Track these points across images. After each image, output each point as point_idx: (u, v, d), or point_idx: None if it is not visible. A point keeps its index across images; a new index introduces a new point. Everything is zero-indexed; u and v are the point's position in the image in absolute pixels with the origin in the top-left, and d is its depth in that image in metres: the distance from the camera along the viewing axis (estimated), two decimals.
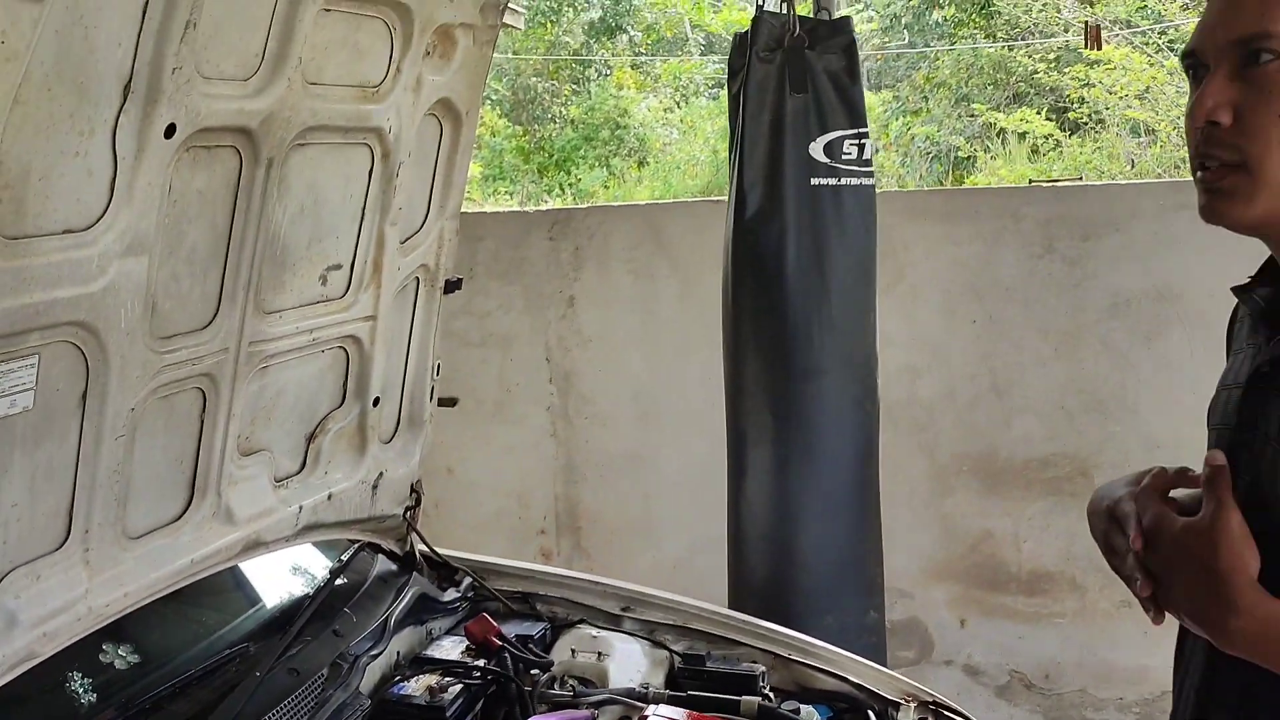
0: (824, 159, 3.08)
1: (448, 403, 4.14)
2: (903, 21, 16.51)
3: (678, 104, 19.01)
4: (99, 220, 1.63)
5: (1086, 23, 6.50)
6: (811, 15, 3.24)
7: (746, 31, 3.16)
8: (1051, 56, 8.09)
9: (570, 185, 17.53)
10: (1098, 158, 7.39)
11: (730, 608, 3.38)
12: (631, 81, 19.82)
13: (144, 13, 1.58)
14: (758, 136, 3.08)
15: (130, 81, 1.60)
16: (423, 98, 2.29)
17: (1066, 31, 7.86)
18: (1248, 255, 3.15)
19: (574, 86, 19.93)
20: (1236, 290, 1.50)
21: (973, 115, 11.56)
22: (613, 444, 4.28)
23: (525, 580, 2.77)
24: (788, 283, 3.07)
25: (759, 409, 3.18)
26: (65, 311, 1.62)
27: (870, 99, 16.69)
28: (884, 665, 2.61)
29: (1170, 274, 3.48)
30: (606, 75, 20.04)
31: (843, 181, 3.10)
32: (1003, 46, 12.30)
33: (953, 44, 12.56)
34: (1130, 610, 3.81)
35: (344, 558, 2.60)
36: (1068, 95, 7.80)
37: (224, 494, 2.14)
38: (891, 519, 3.62)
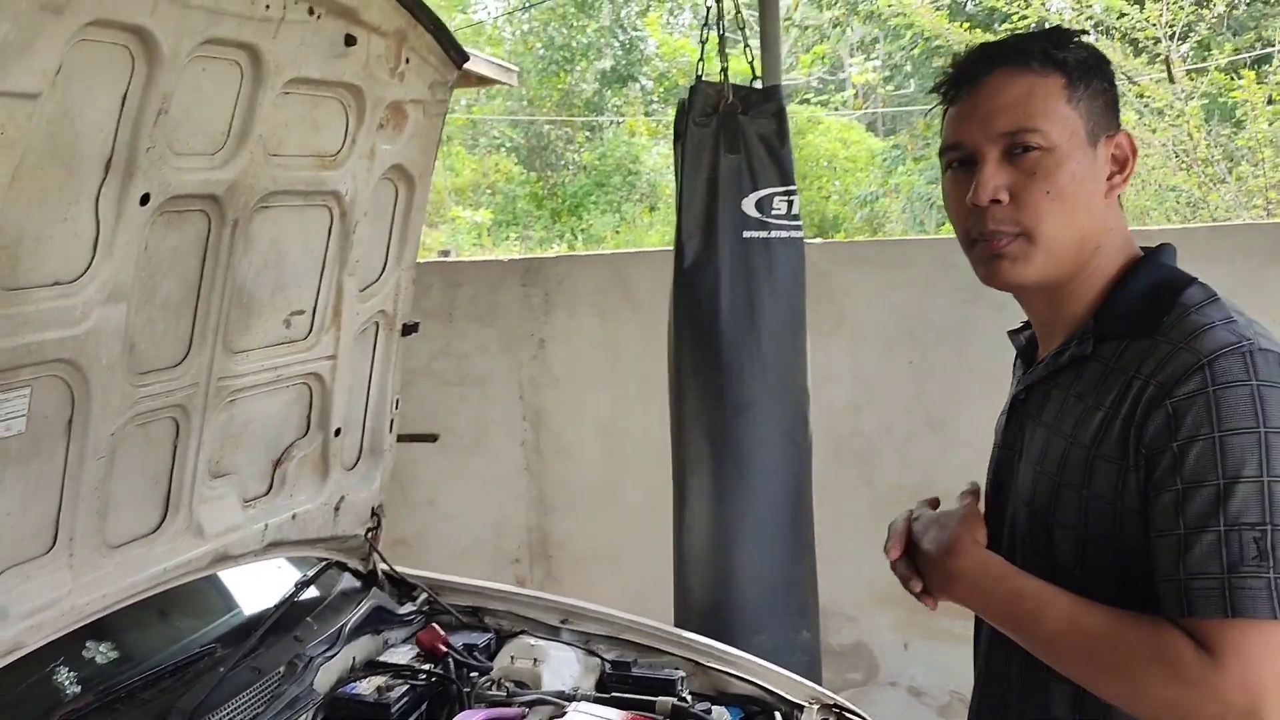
0: (755, 214, 3.38)
1: (429, 438, 4.47)
2: (903, 70, 16.91)
3: None
4: (83, 274, 1.93)
5: None
6: (747, 84, 3.55)
7: (686, 99, 3.48)
8: None
9: (582, 230, 17.87)
10: None
11: (675, 625, 3.66)
12: (643, 129, 20.25)
13: (122, 104, 1.89)
14: (695, 193, 3.39)
15: (111, 159, 1.90)
16: (377, 164, 2.59)
17: None
18: None
19: (587, 134, 20.37)
20: (1010, 333, 1.82)
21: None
22: (580, 477, 4.56)
23: (476, 596, 3.04)
24: (721, 325, 3.36)
25: (697, 440, 3.46)
26: (53, 350, 1.92)
27: (876, 145, 17.05)
28: (819, 683, 2.82)
29: None
30: (619, 123, 20.49)
31: (773, 234, 3.39)
32: None
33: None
34: None
35: (310, 574, 2.89)
36: None
37: (195, 511, 2.43)
38: (836, 546, 3.89)
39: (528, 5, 19.39)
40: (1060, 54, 1.53)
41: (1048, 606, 1.44)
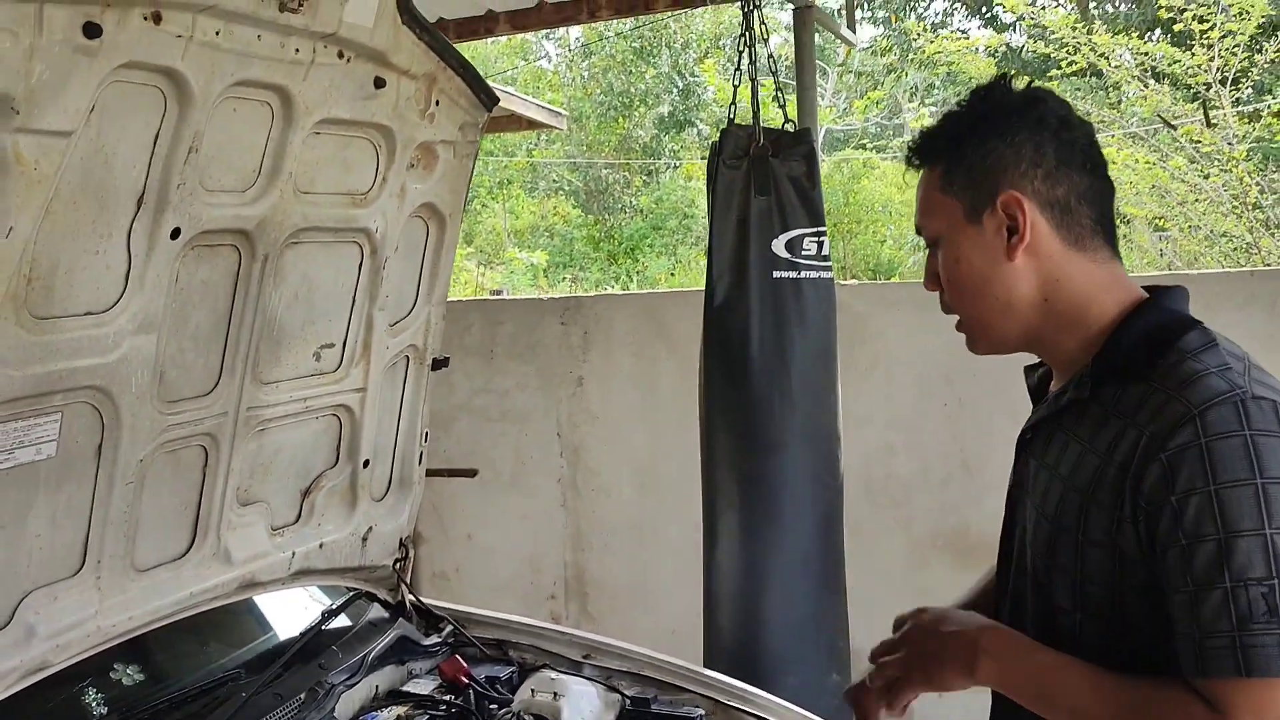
0: (785, 254, 3.40)
1: (468, 473, 4.51)
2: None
3: None
4: (115, 304, 2.00)
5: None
6: (780, 126, 3.59)
7: (718, 141, 3.52)
8: None
9: (638, 272, 17.98)
10: (1131, 255, 7.56)
11: (705, 665, 3.64)
12: (699, 173, 20.36)
13: (154, 142, 1.97)
14: (726, 234, 3.42)
15: (143, 195, 1.97)
16: (407, 203, 2.65)
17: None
18: None
19: (645, 178, 20.55)
20: (1026, 368, 1.81)
21: None
22: (616, 514, 4.58)
23: (501, 629, 3.06)
24: (752, 364, 3.37)
25: (727, 479, 3.46)
26: (85, 377, 1.99)
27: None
28: None
29: None
30: (676, 167, 20.64)
31: (803, 275, 3.41)
32: None
33: None
34: None
35: (338, 604, 2.93)
36: None
37: (223, 537, 2.48)
38: (870, 590, 3.84)
39: (589, 52, 19.70)
40: (943, 138, 1.57)
41: (1070, 679, 1.43)
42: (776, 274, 3.39)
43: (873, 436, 3.81)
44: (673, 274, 17.48)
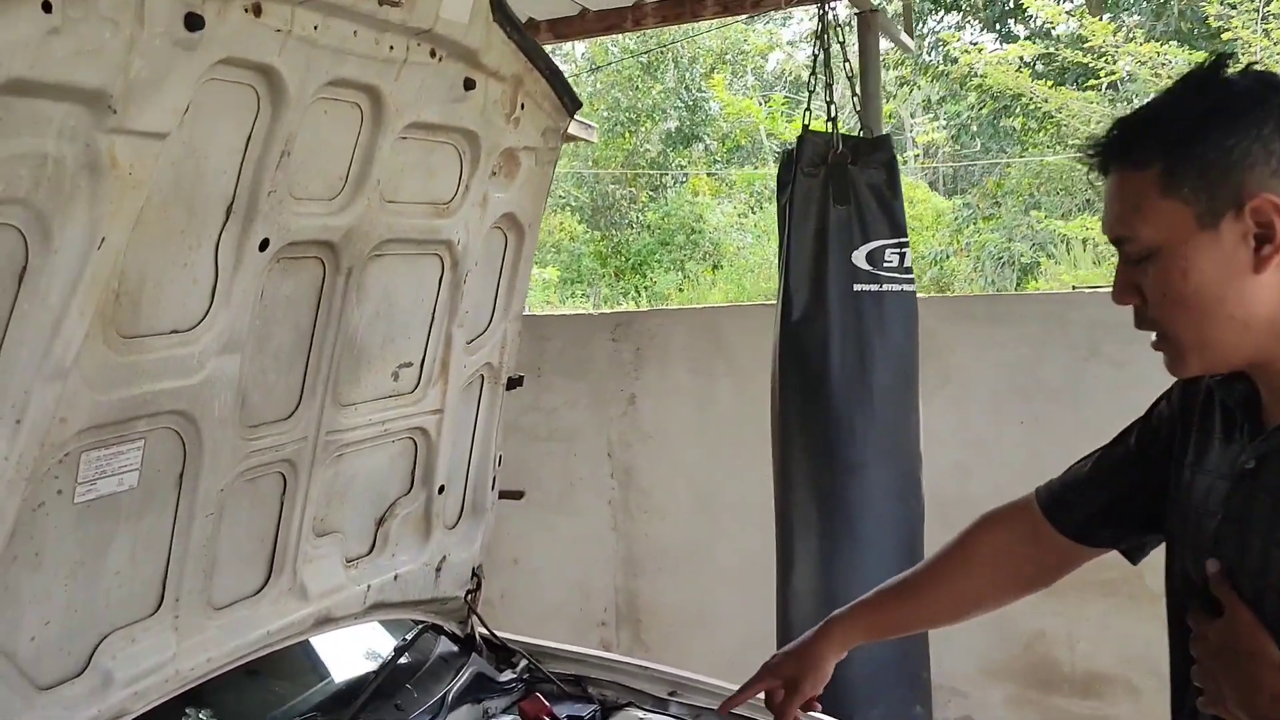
0: (866, 266, 3.25)
1: (514, 495, 4.34)
2: (971, 130, 16.76)
3: (751, 210, 19.41)
4: (200, 322, 1.87)
5: None
6: (856, 133, 3.45)
7: (793, 149, 3.38)
8: None
9: (646, 288, 17.89)
10: None
11: None
12: (707, 188, 20.32)
13: (246, 145, 1.83)
14: (803, 245, 3.27)
15: (233, 203, 1.84)
16: (489, 213, 2.52)
17: None
18: None
19: (651, 193, 20.49)
20: (1216, 381, 1.62)
21: (1043, 223, 11.67)
22: (670, 537, 4.42)
23: (578, 664, 2.90)
24: (831, 381, 3.23)
25: (804, 501, 3.31)
26: (169, 401, 1.85)
27: (942, 204, 16.88)
28: None
29: None
30: (683, 182, 20.59)
31: (884, 288, 3.26)
32: (1066, 157, 12.46)
33: (1022, 152, 12.74)
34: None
35: (408, 638, 2.77)
36: None
37: (299, 571, 2.33)
38: None
39: (595, 67, 19.63)
40: (1161, 134, 1.36)
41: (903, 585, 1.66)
42: (857, 287, 3.24)
43: (944, 456, 3.66)
44: (681, 289, 17.41)
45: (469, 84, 2.25)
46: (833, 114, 3.31)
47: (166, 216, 1.74)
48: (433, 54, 2.12)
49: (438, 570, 2.76)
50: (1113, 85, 7.49)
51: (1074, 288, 4.86)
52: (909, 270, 3.31)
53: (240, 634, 2.19)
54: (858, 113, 3.44)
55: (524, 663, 2.88)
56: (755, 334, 4.23)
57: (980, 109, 14.69)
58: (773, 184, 20.73)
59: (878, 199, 3.29)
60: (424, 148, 2.28)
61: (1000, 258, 13.64)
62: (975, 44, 15.06)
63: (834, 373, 3.22)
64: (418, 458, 2.62)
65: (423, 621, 2.83)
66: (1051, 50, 8.78)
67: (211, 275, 1.87)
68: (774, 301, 4.53)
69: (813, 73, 3.33)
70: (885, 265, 3.26)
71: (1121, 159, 1.40)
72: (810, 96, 3.38)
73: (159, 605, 1.99)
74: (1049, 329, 3.79)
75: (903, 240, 3.29)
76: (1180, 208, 1.34)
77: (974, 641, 3.78)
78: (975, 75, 9.24)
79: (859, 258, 3.25)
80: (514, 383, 2.86)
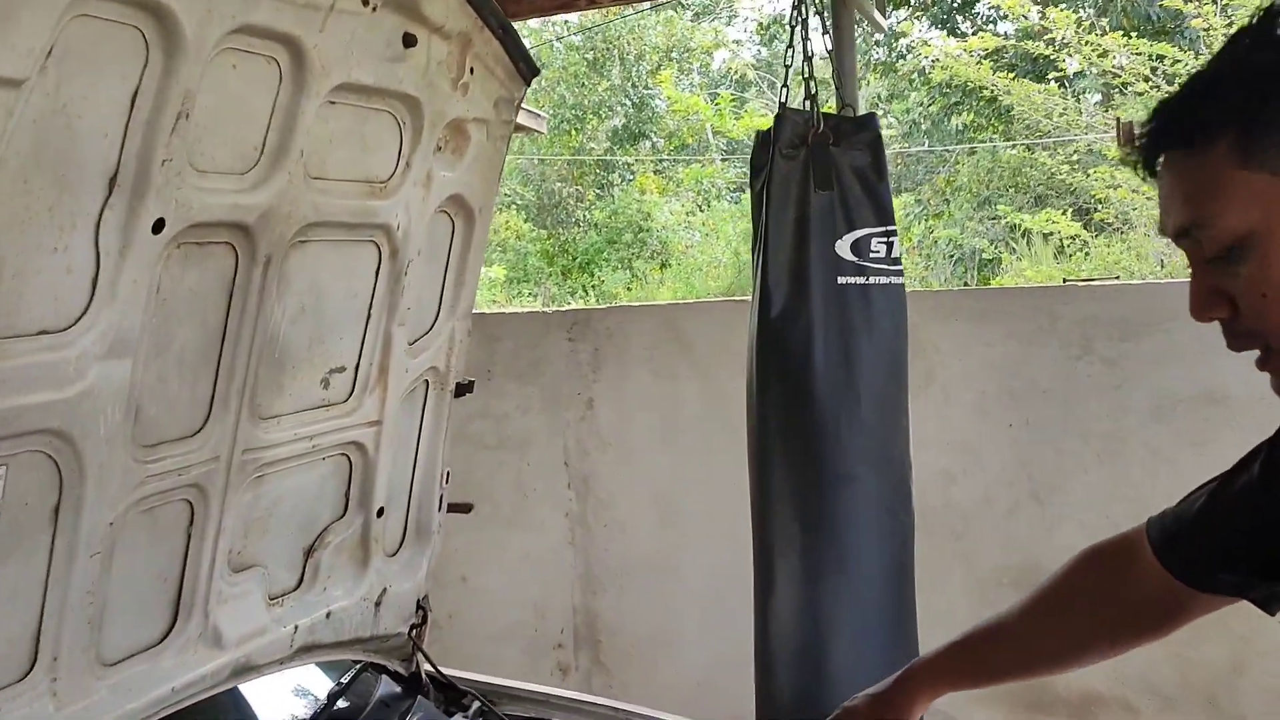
0: (851, 257, 2.97)
1: (462, 509, 3.99)
2: (922, 128, 16.69)
3: (699, 207, 19.23)
4: (78, 321, 1.53)
5: (1119, 119, 6.45)
6: (836, 112, 3.17)
7: (769, 129, 3.08)
8: (1074, 159, 8.06)
9: (593, 287, 17.63)
10: (1126, 258, 7.29)
11: None
12: (654, 186, 20.08)
13: (133, 102, 1.50)
14: (782, 234, 2.98)
15: (116, 174, 1.51)
16: (433, 194, 2.20)
17: (1088, 133, 7.86)
18: None
19: (598, 191, 20.23)
20: None
21: (995, 217, 11.52)
22: (633, 552, 4.11)
23: (539, 705, 2.60)
24: (815, 384, 2.93)
25: (786, 516, 3.01)
26: (37, 419, 1.51)
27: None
28: None
29: (1216, 376, 3.31)
30: (629, 180, 20.34)
31: (871, 280, 2.98)
32: (1023, 148, 12.36)
33: (972, 149, 12.61)
34: None
35: (344, 680, 2.44)
36: (1093, 195, 7.74)
37: (212, 614, 1.99)
38: (927, 633, 3.40)
39: (540, 64, 19.30)
40: (1224, 100, 1.11)
41: (1005, 626, 1.51)
42: (842, 280, 2.95)
43: (928, 462, 3.39)
44: (629, 288, 17.18)
45: (409, 40, 1.94)
46: (813, 90, 3.01)
47: (28, 190, 1.40)
48: (365, 1, 1.80)
49: (377, 604, 2.43)
50: (1063, 80, 7.33)
51: (1065, 280, 4.64)
52: (897, 261, 3.03)
53: (138, 694, 1.85)
54: (839, 90, 3.14)
55: (476, 705, 2.57)
56: (723, 332, 3.94)
57: (930, 105, 14.58)
58: (720, 182, 20.49)
59: (862, 183, 3.00)
60: (356, 115, 1.96)
61: (953, 255, 13.52)
62: (925, 41, 14.94)
63: (818, 374, 2.93)
64: (352, 477, 2.30)
65: (359, 661, 2.49)
66: (1011, 43, 8.61)
67: (91, 263, 1.54)
68: (742, 298, 4.23)
69: (789, 44, 3.03)
70: (872, 255, 2.98)
71: (1175, 142, 1.13)
72: (787, 72, 3.09)
73: (31, 667, 1.65)
74: (1038, 325, 3.54)
75: (890, 228, 3.01)
76: (1268, 180, 1.07)
77: None
78: (925, 72, 9.02)
79: (843, 248, 2.96)
80: (463, 389, 2.54)
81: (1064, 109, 8.30)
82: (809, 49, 3.05)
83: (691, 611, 4.02)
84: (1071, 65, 10.22)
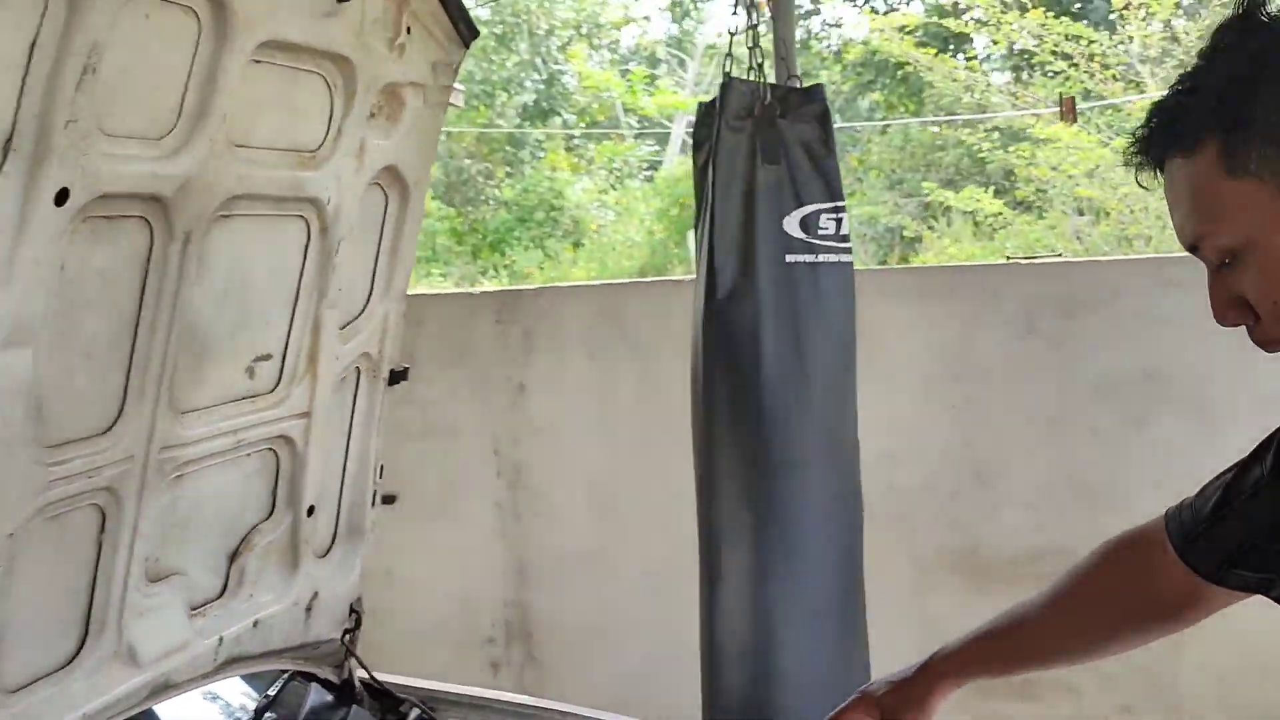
0: (800, 234, 2.86)
1: (386, 500, 3.79)
2: (835, 105, 16.77)
3: (612, 186, 19.09)
4: None
5: (1062, 95, 6.51)
6: (778, 82, 3.05)
7: (713, 100, 2.95)
8: (995, 136, 8.14)
9: (505, 267, 17.37)
10: (1049, 236, 7.37)
11: None
12: (565, 164, 19.85)
13: (30, 54, 1.31)
14: (728, 210, 2.85)
15: (11, 136, 1.33)
16: (366, 165, 2.03)
17: (1012, 109, 7.94)
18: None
19: (507, 168, 19.92)
20: None
21: (908, 195, 11.59)
22: (567, 543, 3.96)
23: (482, 711, 2.46)
24: (764, 367, 2.83)
25: (734, 506, 2.90)
26: None
27: None
28: None
29: (1160, 354, 3.30)
30: (540, 157, 20.08)
31: (820, 258, 2.88)
32: (943, 126, 12.46)
33: (885, 128, 12.68)
34: (1130, 716, 3.58)
35: (271, 693, 2.26)
36: (1015, 173, 7.82)
37: (126, 630, 1.80)
38: (869, 620, 3.35)
39: None
40: (1206, 105, 1.09)
41: (1028, 616, 1.48)
42: (790, 258, 2.85)
43: (870, 445, 3.30)
44: (541, 268, 16.98)
45: None
46: (759, 59, 2.89)
47: None
48: None
49: (308, 609, 2.25)
50: (973, 59, 7.40)
51: (1008, 258, 4.61)
52: (846, 238, 2.93)
53: None
54: (781, 60, 3.02)
55: (415, 713, 2.41)
56: (662, 314, 3.81)
57: (843, 84, 14.62)
58: (633, 160, 20.31)
59: (810, 157, 2.89)
60: (284, 77, 1.78)
61: (865, 234, 13.61)
62: (836, 23, 15.00)
63: (766, 358, 2.82)
64: (280, 473, 2.12)
65: (286, 670, 2.31)
66: (931, 20, 8.65)
67: None
68: (681, 277, 4.11)
69: (734, 10, 2.91)
70: (821, 233, 2.88)
71: (1171, 145, 1.11)
72: (731, 40, 2.96)
73: None
74: (981, 304, 3.49)
75: (840, 204, 2.91)
76: (1256, 187, 1.06)
77: (901, 645, 3.44)
78: (839, 51, 9.01)
79: (791, 224, 2.85)
80: (397, 376, 2.37)
81: (986, 85, 8.36)
82: (754, 16, 2.92)
83: (628, 604, 3.90)
84: (981, 43, 10.32)
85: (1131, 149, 1.14)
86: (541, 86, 20.64)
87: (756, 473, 2.87)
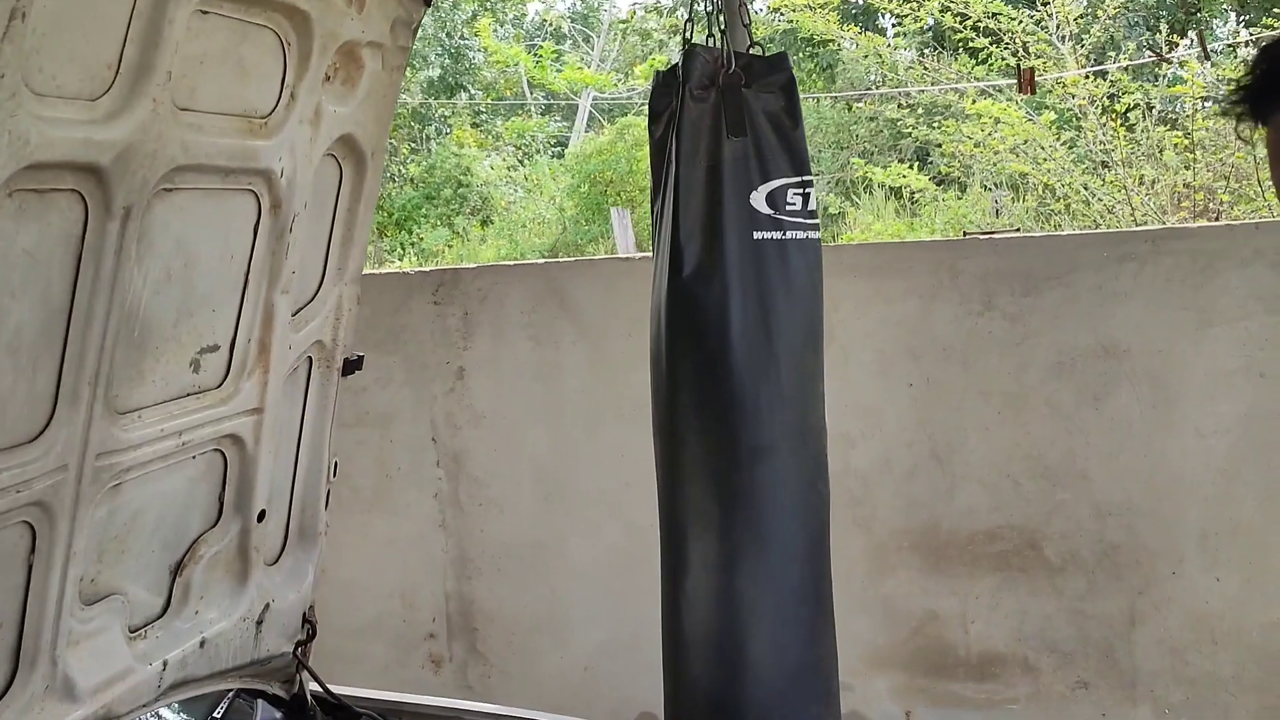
0: (767, 210, 2.71)
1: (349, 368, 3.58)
2: None
3: (521, 162, 18.80)
4: None
5: (1019, 65, 6.49)
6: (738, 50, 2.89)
7: (673, 67, 2.79)
8: (917, 112, 8.14)
9: (412, 245, 16.97)
10: (974, 213, 7.40)
11: None
12: (472, 140, 19.46)
13: None
14: (693, 185, 2.69)
15: None
16: (322, 133, 1.83)
17: (934, 85, 7.94)
18: (1198, 309, 2.81)
19: (412, 144, 19.45)
20: None
21: (819, 172, 11.57)
22: (512, 533, 3.79)
23: None
24: (732, 349, 2.68)
25: (701, 495, 2.76)
26: None
27: None
28: None
29: (1116, 330, 3.26)
30: (447, 133, 19.64)
31: (788, 235, 2.73)
32: (846, 103, 12.47)
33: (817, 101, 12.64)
34: (1087, 692, 3.57)
35: (217, 715, 2.06)
36: (932, 150, 7.83)
37: (61, 660, 1.60)
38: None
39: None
40: None
41: None
42: (758, 235, 2.70)
43: (828, 425, 3.21)
44: (450, 246, 16.64)
45: None
46: (721, 25, 2.73)
47: None
48: None
49: (259, 623, 2.06)
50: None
51: (965, 234, 4.55)
52: (814, 214, 2.80)
53: None
54: (745, 27, 2.86)
55: None
56: (609, 293, 3.65)
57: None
58: (541, 136, 19.95)
59: (776, 129, 2.74)
60: (234, 31, 1.58)
61: None
62: None
63: (734, 339, 2.67)
64: (228, 476, 1.92)
65: (233, 689, 2.11)
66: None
67: None
68: (629, 256, 3.95)
69: None
70: (788, 208, 2.73)
71: None
72: (692, 3, 2.79)
73: None
74: (939, 281, 3.40)
75: (807, 179, 2.76)
76: None
77: (858, 628, 3.39)
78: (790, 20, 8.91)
79: (758, 200, 2.70)
80: (351, 366, 2.17)
81: (910, 63, 8.36)
82: None
83: (576, 595, 3.75)
84: (888, 20, 10.33)
85: (1234, 98, 1.02)
86: (448, 61, 20.19)
87: (724, 460, 2.73)
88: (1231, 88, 1.04)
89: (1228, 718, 3.32)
